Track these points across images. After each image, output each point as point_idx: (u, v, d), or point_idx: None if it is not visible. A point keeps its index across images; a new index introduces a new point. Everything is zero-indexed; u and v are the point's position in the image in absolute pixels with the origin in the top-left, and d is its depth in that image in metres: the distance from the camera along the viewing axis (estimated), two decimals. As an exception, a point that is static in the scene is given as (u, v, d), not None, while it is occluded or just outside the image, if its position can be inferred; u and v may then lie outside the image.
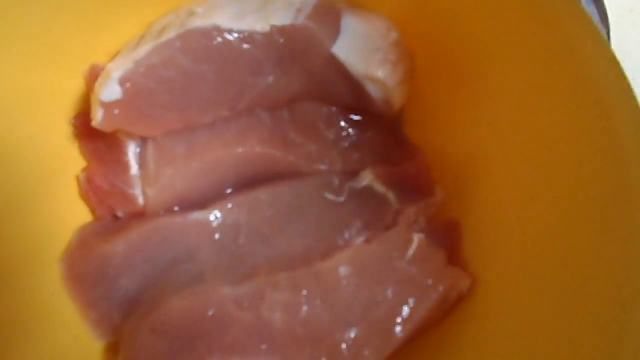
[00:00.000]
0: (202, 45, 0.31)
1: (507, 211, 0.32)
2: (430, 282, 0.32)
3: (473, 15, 0.33)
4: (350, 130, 0.35)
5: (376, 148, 0.35)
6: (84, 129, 0.34)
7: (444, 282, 0.32)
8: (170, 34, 0.31)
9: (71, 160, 0.35)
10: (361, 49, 0.31)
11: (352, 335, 0.31)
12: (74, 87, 0.35)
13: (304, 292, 0.31)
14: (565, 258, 0.28)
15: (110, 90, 0.30)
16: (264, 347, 0.30)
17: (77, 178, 0.35)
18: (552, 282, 0.29)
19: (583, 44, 0.28)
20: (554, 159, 0.30)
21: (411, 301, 0.32)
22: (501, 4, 0.31)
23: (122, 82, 0.30)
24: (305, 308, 0.31)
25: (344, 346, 0.31)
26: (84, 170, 0.35)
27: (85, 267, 0.33)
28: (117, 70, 0.31)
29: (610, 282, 0.26)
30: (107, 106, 0.31)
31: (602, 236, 0.27)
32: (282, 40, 0.32)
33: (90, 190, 0.35)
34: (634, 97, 0.26)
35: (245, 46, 0.32)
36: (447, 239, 0.34)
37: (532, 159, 0.31)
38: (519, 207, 0.32)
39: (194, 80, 0.32)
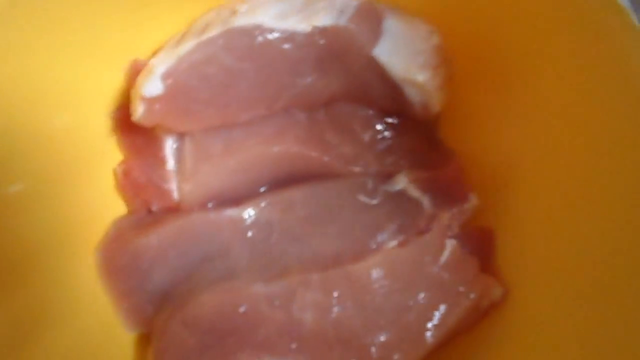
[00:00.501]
0: (244, 43, 0.31)
1: (542, 220, 0.32)
2: (461, 288, 0.32)
3: (515, 20, 0.32)
4: (386, 133, 0.35)
5: (411, 151, 0.35)
6: (123, 123, 0.35)
7: (475, 289, 0.32)
8: (213, 32, 0.31)
9: (108, 153, 0.36)
10: (402, 51, 0.31)
11: (382, 338, 0.31)
12: (114, 81, 0.35)
13: (336, 293, 0.31)
14: (600, 271, 0.28)
15: (152, 86, 0.31)
16: (293, 346, 0.30)
17: (114, 171, 0.35)
18: (586, 296, 0.28)
19: (629, 55, 0.28)
20: (592, 169, 0.29)
21: (442, 307, 0.32)
22: (546, 11, 0.30)
23: (164, 77, 0.31)
24: (336, 309, 0.31)
25: (373, 349, 0.31)
26: (121, 163, 0.35)
27: (119, 259, 0.33)
28: (160, 65, 0.31)
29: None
30: (149, 101, 0.31)
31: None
32: (322, 41, 0.32)
33: (126, 184, 0.35)
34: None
35: (286, 46, 0.32)
36: (480, 246, 0.34)
37: (569, 168, 0.31)
38: (555, 216, 0.31)
39: (234, 78, 0.32)
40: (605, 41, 0.28)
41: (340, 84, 0.33)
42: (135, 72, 0.33)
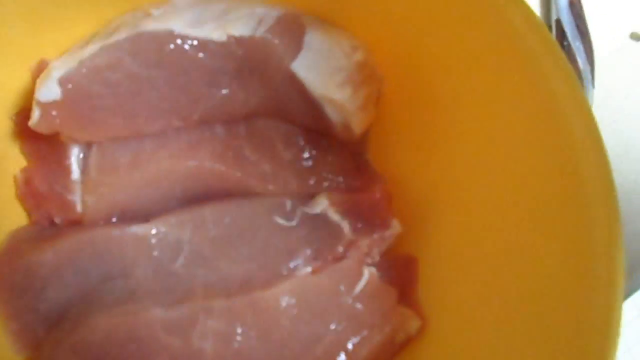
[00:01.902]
0: (152, 49, 0.29)
1: (466, 250, 0.31)
2: (376, 321, 0.30)
3: (446, 43, 0.31)
4: (310, 152, 0.33)
5: (335, 172, 0.33)
6: (26, 127, 0.32)
7: (391, 322, 0.30)
8: (121, 35, 0.29)
9: (11, 158, 0.33)
10: (322, 67, 0.30)
11: (287, 372, 0.29)
12: (19, 82, 0.33)
13: (239, 322, 0.29)
14: (524, 304, 0.27)
15: (48, 90, 0.28)
16: (189, 378, 0.28)
17: (14, 178, 0.33)
18: (506, 330, 0.27)
19: (554, 82, 0.27)
20: (518, 199, 0.28)
21: (354, 340, 0.30)
22: (474, 34, 0.29)
23: (62, 82, 0.29)
24: (239, 339, 0.29)
25: (277, 384, 0.29)
26: (23, 170, 0.33)
27: (11, 274, 0.31)
28: (59, 69, 0.29)
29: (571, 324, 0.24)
30: (45, 106, 0.29)
31: (566, 275, 0.25)
32: (240, 52, 0.30)
33: (27, 192, 0.33)
34: (599, 138, 0.25)
35: (201, 55, 0.30)
36: (401, 275, 0.32)
37: (495, 196, 0.29)
38: (479, 246, 0.30)
39: (142, 85, 0.30)
40: (530, 65, 0.27)
41: (261, 97, 0.32)
42: (40, 73, 0.31)
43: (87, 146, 0.33)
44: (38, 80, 0.29)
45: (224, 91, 0.31)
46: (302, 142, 0.33)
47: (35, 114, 0.29)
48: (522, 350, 0.26)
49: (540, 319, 0.26)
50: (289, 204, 0.32)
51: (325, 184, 0.33)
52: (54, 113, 0.29)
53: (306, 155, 0.33)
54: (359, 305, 0.30)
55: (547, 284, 0.26)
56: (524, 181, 0.28)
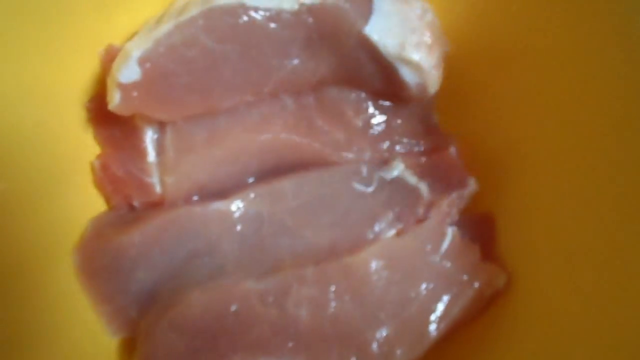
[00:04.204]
0: (226, 23, 0.29)
1: (543, 205, 0.31)
2: (465, 277, 0.31)
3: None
4: (380, 117, 0.33)
5: (407, 136, 0.34)
6: (99, 113, 0.32)
7: (479, 277, 0.31)
8: (193, 12, 0.29)
9: (85, 146, 0.33)
10: (395, 29, 0.30)
11: (384, 333, 0.29)
12: (87, 69, 0.33)
13: (332, 287, 0.30)
14: (602, 255, 0.27)
15: (128, 71, 0.29)
16: (289, 344, 0.29)
17: (91, 165, 0.33)
18: (590, 280, 0.27)
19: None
20: (594, 152, 0.28)
21: (445, 298, 0.30)
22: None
23: (141, 62, 0.29)
24: (333, 304, 0.29)
25: (374, 345, 0.29)
26: (98, 157, 0.33)
27: (99, 259, 0.31)
28: (136, 49, 0.29)
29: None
30: (125, 88, 0.29)
31: None
32: (310, 20, 0.30)
33: (104, 178, 0.33)
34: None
35: (272, 25, 0.30)
36: (481, 233, 0.33)
37: (570, 152, 0.29)
38: (555, 201, 0.30)
39: (216, 61, 0.30)
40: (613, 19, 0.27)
41: (331, 65, 0.32)
42: (110, 58, 0.31)
43: (160, 128, 0.33)
44: (115, 63, 0.29)
45: (295, 61, 0.31)
46: (371, 108, 0.33)
47: (116, 96, 0.29)
48: (609, 298, 0.26)
49: (621, 274, 0.26)
50: (365, 170, 0.33)
51: (398, 147, 0.33)
52: (134, 94, 0.29)
53: (376, 120, 0.33)
54: (446, 264, 0.31)
55: (628, 237, 0.26)
56: (602, 138, 0.28)
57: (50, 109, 0.32)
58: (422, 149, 0.34)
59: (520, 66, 0.32)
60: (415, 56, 0.29)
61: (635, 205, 0.26)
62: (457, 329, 0.31)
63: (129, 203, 0.33)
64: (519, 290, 0.31)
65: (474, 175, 0.33)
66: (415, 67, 0.30)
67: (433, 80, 0.30)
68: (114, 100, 0.29)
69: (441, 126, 0.35)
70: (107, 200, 0.34)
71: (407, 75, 0.30)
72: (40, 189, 0.31)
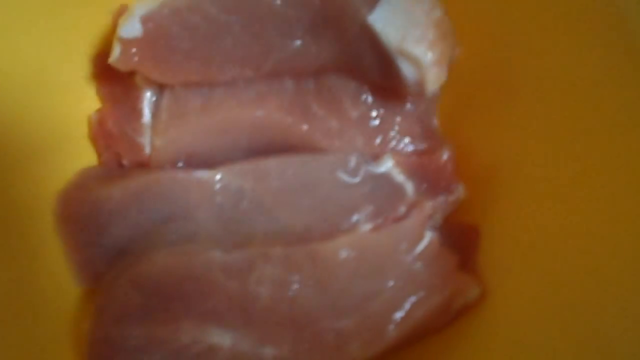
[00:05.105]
0: (232, -6, 0.29)
1: (530, 222, 0.30)
2: (434, 283, 0.30)
3: (522, 17, 0.30)
4: (378, 111, 0.33)
5: (402, 134, 0.33)
6: (103, 70, 0.33)
7: (450, 285, 0.30)
8: (201, -21, 0.30)
9: (87, 99, 0.34)
10: (399, 21, 0.29)
11: (341, 325, 0.28)
12: (101, 26, 0.34)
13: (296, 271, 0.29)
14: (584, 284, 0.26)
15: (130, 27, 0.29)
16: (243, 320, 0.28)
17: (89, 118, 0.34)
18: (567, 305, 0.26)
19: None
20: (585, 173, 0.27)
21: (411, 299, 0.29)
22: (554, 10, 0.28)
23: (144, 20, 0.29)
24: (295, 287, 0.29)
25: (330, 335, 0.28)
26: (97, 111, 0.34)
27: (78, 208, 0.31)
28: (140, 7, 0.29)
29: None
30: (126, 43, 0.29)
31: (632, 253, 0.24)
32: (316, 2, 0.30)
33: (99, 133, 0.33)
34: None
35: (278, 2, 0.30)
36: (463, 244, 0.32)
37: (562, 170, 0.29)
38: (543, 219, 0.29)
39: (219, 30, 0.30)
40: (616, 24, 0.26)
41: (333, 51, 0.31)
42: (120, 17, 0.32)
43: (159, 91, 0.33)
44: (120, 19, 0.30)
45: (297, 42, 0.31)
46: (370, 101, 0.33)
47: (116, 50, 0.30)
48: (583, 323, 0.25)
49: (604, 291, 0.25)
50: (353, 161, 0.32)
51: (392, 144, 0.33)
52: (133, 50, 0.30)
53: (374, 114, 0.33)
54: (418, 265, 0.30)
55: (612, 256, 0.25)
56: (595, 155, 0.27)
57: (58, 58, 0.33)
58: (415, 148, 0.33)
59: (523, 84, 0.31)
60: (415, 50, 0.29)
61: (623, 229, 0.25)
62: (421, 336, 0.30)
63: (119, 160, 0.34)
64: (492, 307, 0.30)
65: (466, 185, 0.33)
66: (414, 61, 0.29)
67: (432, 77, 0.30)
68: (114, 53, 0.30)
69: (441, 132, 0.34)
70: (99, 155, 0.34)
71: (406, 69, 0.30)
72: (35, 134, 0.32)
